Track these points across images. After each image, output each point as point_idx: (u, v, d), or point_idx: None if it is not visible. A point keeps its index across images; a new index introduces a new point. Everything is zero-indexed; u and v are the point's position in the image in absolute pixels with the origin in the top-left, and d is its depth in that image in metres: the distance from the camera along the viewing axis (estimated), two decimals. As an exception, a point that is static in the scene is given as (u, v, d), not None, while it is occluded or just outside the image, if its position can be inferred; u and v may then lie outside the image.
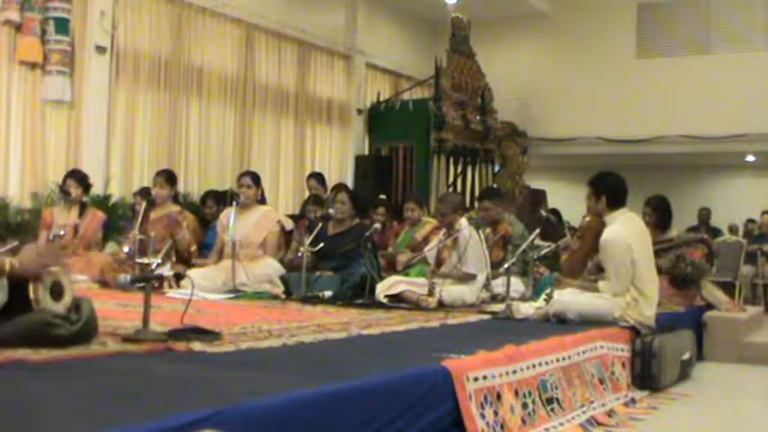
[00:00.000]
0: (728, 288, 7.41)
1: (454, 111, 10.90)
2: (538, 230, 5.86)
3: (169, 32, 8.83)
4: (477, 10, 11.45)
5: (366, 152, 11.41)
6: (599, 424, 3.55)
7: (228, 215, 6.23)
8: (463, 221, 5.79)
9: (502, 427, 2.97)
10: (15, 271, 2.82)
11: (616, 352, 4.32)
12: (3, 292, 2.80)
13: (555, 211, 8.90)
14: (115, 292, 5.55)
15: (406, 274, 6.05)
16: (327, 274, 6.10)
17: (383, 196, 8.52)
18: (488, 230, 6.41)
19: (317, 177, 8.69)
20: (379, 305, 5.42)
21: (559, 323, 4.61)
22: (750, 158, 13.92)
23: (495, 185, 11.10)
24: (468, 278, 5.68)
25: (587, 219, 5.18)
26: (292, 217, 8.13)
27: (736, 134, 11.57)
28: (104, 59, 8.06)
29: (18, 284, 2.84)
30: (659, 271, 5.09)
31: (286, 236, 7.19)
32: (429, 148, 10.71)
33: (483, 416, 2.88)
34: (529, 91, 12.72)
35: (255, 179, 6.48)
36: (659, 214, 6.26)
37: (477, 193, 11.30)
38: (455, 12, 11.37)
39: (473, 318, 4.96)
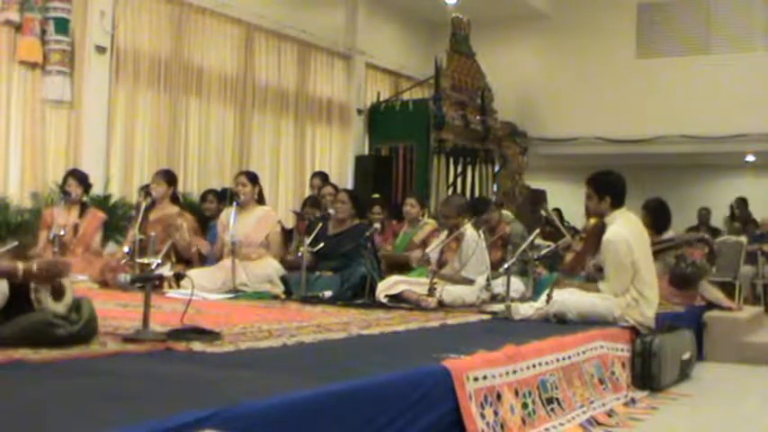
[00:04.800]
0: (728, 288, 7.41)
1: (454, 111, 10.90)
2: (538, 230, 5.86)
3: (169, 32, 8.82)
4: (477, 10, 11.43)
5: (366, 152, 11.41)
6: (599, 424, 3.56)
7: (229, 215, 6.23)
8: (468, 227, 5.78)
9: (502, 427, 2.97)
10: (30, 274, 2.82)
11: (616, 352, 4.32)
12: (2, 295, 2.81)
13: (557, 211, 8.90)
14: (115, 292, 5.55)
15: (407, 275, 6.06)
16: (327, 274, 6.10)
17: (376, 195, 8.52)
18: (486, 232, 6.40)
19: (322, 176, 8.68)
20: (380, 305, 5.42)
21: (559, 323, 4.61)
22: (750, 158, 13.91)
23: (481, 195, 11.10)
24: (466, 283, 5.68)
25: (592, 221, 5.17)
26: (297, 213, 8.14)
27: (736, 134, 11.57)
28: (104, 59, 8.05)
29: (19, 285, 2.84)
30: (658, 272, 5.09)
31: (286, 235, 7.19)
32: (429, 148, 10.70)
33: (483, 416, 2.88)
34: (529, 91, 12.72)
35: (252, 178, 6.48)
36: (653, 216, 6.25)
37: (476, 193, 11.33)
38: (455, 12, 11.36)
39: (473, 318, 4.96)
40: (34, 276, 2.85)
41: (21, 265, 2.84)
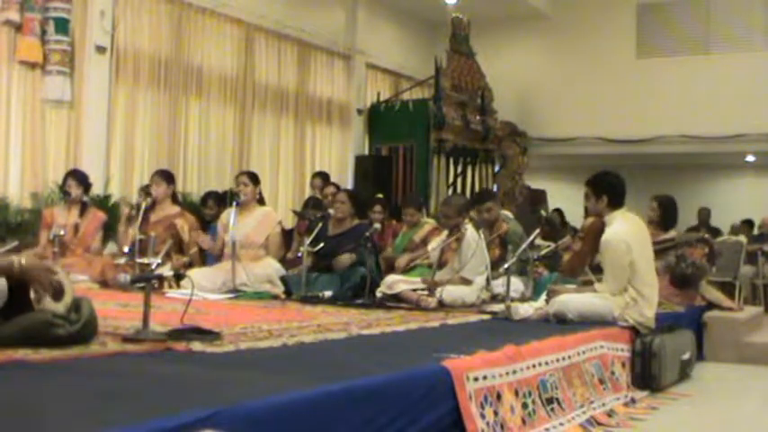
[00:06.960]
0: (728, 288, 7.41)
1: (454, 111, 10.90)
2: (538, 230, 5.86)
3: (169, 32, 8.82)
4: (477, 10, 11.43)
5: (366, 152, 11.40)
6: (599, 424, 3.56)
7: (229, 215, 6.23)
8: (469, 226, 5.78)
9: (502, 427, 2.97)
10: (22, 270, 2.82)
11: (616, 352, 4.32)
12: (2, 298, 2.80)
13: (558, 211, 8.85)
14: (115, 292, 5.55)
15: (407, 275, 6.05)
16: (327, 274, 6.10)
17: (380, 195, 8.52)
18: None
19: (323, 177, 8.66)
20: (380, 305, 5.42)
21: (559, 323, 4.61)
22: (750, 158, 13.91)
23: (488, 187, 11.13)
24: (465, 283, 5.68)
25: (590, 220, 5.18)
26: (296, 213, 8.13)
27: (736, 134, 11.56)
28: (104, 59, 8.05)
29: (18, 285, 2.84)
30: (658, 271, 5.09)
31: (286, 235, 7.19)
32: (429, 148, 10.70)
33: (483, 416, 2.88)
34: (529, 91, 12.72)
35: (253, 178, 6.49)
36: (664, 212, 6.27)
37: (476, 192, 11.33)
38: (455, 12, 11.36)
39: (473, 318, 4.96)
40: (28, 272, 2.83)
41: (15, 260, 2.83)
